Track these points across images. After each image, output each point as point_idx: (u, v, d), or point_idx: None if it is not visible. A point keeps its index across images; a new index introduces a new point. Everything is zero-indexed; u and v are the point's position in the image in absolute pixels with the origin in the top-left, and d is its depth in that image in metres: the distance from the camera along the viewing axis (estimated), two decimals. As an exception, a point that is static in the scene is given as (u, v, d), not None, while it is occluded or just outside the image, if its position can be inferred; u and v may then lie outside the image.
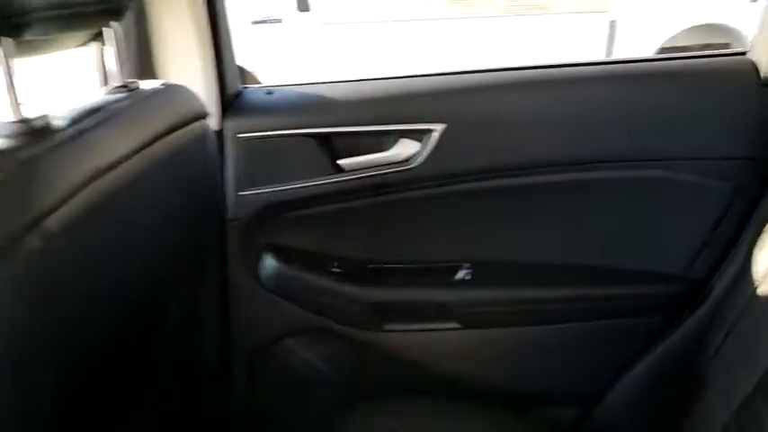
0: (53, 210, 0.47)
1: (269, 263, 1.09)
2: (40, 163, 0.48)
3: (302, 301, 1.10)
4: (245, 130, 1.02)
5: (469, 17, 4.08)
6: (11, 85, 0.50)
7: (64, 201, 0.48)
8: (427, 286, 1.11)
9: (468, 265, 1.11)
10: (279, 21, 4.08)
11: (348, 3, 4.07)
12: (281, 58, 3.93)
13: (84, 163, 0.52)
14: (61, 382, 0.51)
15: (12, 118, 0.50)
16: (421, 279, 1.11)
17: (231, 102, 1.05)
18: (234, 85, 1.07)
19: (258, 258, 1.09)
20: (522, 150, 1.04)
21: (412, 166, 1.03)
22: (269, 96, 1.08)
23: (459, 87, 1.06)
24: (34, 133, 0.50)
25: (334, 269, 1.11)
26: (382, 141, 1.05)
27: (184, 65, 0.99)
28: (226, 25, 1.05)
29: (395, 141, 1.05)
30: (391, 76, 1.10)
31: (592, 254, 1.09)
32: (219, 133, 1.01)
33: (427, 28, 4.13)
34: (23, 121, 0.50)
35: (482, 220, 1.11)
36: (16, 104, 0.50)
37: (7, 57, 0.49)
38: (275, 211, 1.06)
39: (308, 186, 1.04)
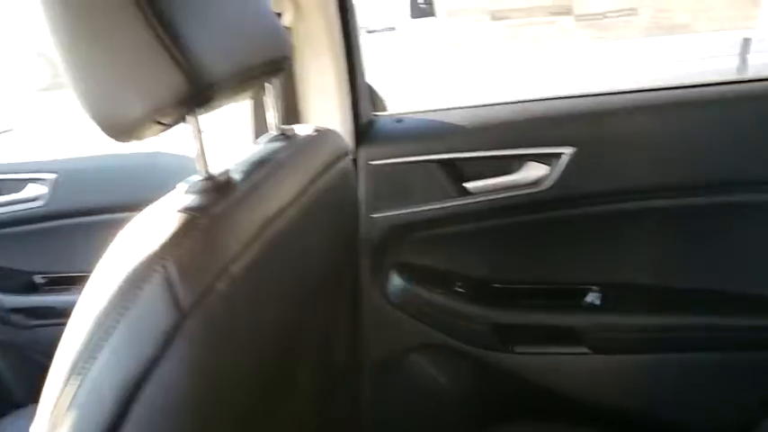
0: (236, 258, 0.54)
1: (397, 281, 1.14)
2: (226, 216, 0.55)
3: (428, 319, 1.14)
4: (376, 158, 1.08)
5: (603, 41, 3.91)
6: (201, 147, 0.58)
7: (245, 248, 0.56)
8: (554, 309, 1.10)
9: (597, 288, 1.09)
10: (392, 29, 4.19)
11: (475, 26, 4.06)
12: (398, 67, 4.02)
13: (258, 213, 0.59)
14: (233, 416, 0.58)
15: (201, 176, 0.58)
16: (547, 301, 1.11)
17: (364, 131, 1.12)
18: (366, 114, 1.14)
19: (387, 276, 1.14)
20: (654, 173, 1.01)
21: (541, 188, 1.03)
22: (398, 124, 1.13)
23: (588, 111, 1.05)
24: (219, 188, 0.58)
25: (458, 289, 1.14)
26: (508, 164, 1.07)
27: (324, 100, 1.06)
28: (360, 60, 1.12)
29: (521, 164, 1.06)
30: (518, 100, 1.11)
31: (734, 280, 1.03)
32: (353, 161, 1.08)
33: (557, 53, 4.01)
34: (209, 177, 0.58)
35: (612, 242, 1.08)
36: (205, 164, 0.58)
37: (198, 124, 0.57)
38: (404, 231, 1.11)
39: (436, 209, 1.07)
